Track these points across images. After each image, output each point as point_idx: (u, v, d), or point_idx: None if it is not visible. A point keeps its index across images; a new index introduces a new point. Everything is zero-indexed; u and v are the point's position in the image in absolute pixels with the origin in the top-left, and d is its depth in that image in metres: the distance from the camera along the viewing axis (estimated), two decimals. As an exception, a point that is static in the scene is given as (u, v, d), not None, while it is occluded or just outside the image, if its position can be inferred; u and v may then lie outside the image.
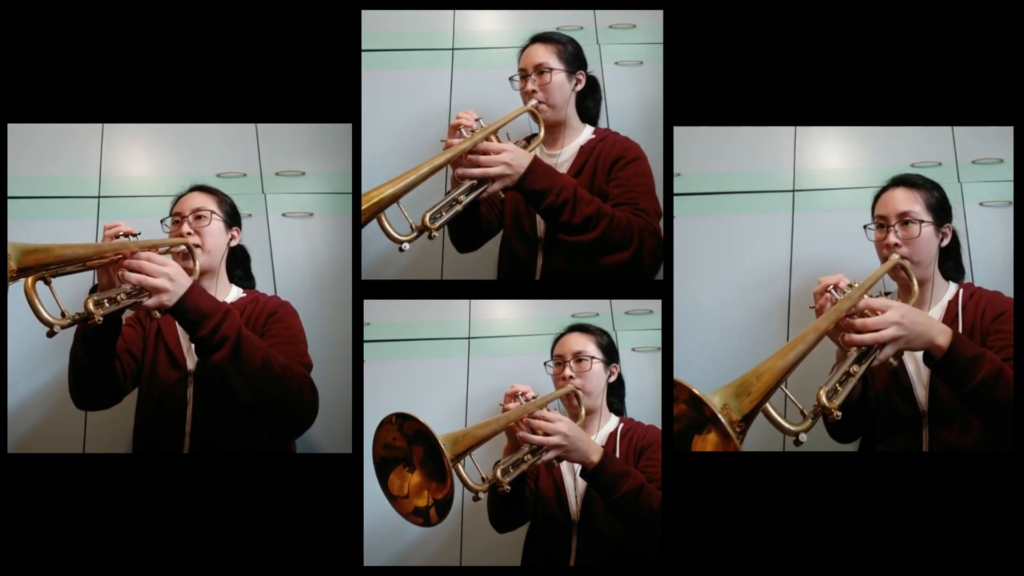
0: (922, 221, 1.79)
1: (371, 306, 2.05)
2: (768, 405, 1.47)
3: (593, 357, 1.99)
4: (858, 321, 1.59)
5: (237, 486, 1.93)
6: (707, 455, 2.00)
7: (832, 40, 1.97)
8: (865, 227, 1.85)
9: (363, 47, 2.02)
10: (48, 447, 2.14)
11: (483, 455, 1.80)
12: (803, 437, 1.50)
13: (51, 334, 1.56)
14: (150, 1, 1.96)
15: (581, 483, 1.92)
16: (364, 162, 2.03)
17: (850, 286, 1.66)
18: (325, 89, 1.99)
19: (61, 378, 2.16)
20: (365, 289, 1.99)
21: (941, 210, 1.82)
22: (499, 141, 1.87)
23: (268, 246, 2.20)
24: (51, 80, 1.96)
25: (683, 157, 2.07)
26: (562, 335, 2.05)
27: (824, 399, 1.53)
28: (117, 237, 1.70)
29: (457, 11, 2.26)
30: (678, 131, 2.01)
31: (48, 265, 1.54)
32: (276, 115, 2.00)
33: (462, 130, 1.84)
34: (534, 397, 1.85)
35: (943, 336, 1.61)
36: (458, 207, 1.82)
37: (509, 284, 2.12)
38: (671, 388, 2.00)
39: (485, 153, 1.82)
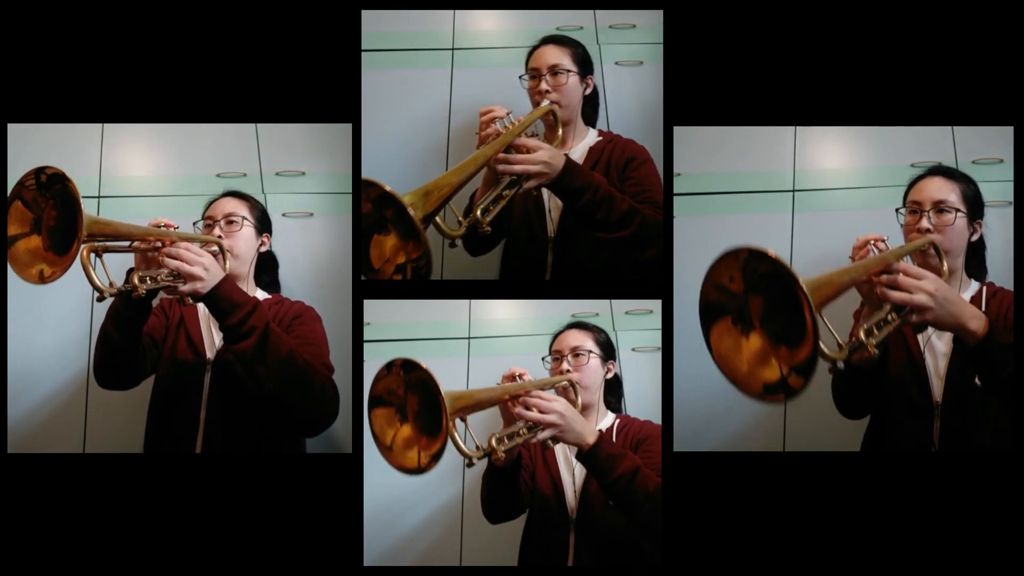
0: (958, 210, 1.78)
1: (371, 306, 2.05)
2: (821, 323, 1.41)
3: (590, 352, 1.99)
4: (887, 278, 1.56)
5: (237, 486, 1.94)
6: (706, 455, 2.01)
7: (832, 40, 1.97)
8: (897, 211, 1.84)
9: (363, 47, 2.02)
10: (48, 447, 2.14)
11: (479, 432, 1.79)
12: (840, 364, 1.45)
13: (100, 299, 1.67)
14: (150, 1, 1.96)
15: (579, 478, 1.92)
16: (364, 162, 2.03)
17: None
18: (325, 89, 1.99)
19: (63, 379, 2.17)
20: (365, 289, 1.99)
21: (976, 204, 1.82)
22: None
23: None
24: (51, 80, 1.97)
25: (683, 157, 2.07)
26: (561, 332, 2.05)
27: (863, 335, 1.50)
28: (160, 227, 1.79)
29: (457, 11, 2.26)
30: (678, 131, 2.01)
31: (107, 236, 1.68)
32: (276, 115, 2.01)
33: (498, 123, 1.84)
34: (527, 378, 1.86)
35: (976, 321, 1.58)
36: (503, 202, 1.83)
37: (509, 284, 2.12)
38: (671, 388, 2.01)
39: (520, 149, 1.83)
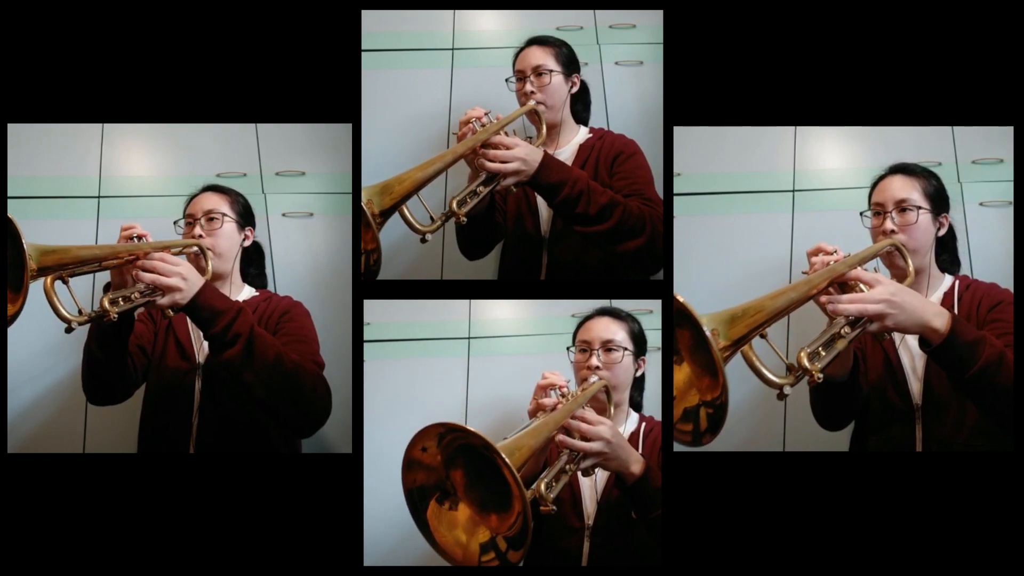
0: (920, 208, 1.77)
1: (371, 306, 2.05)
2: (752, 354, 1.39)
3: (624, 348, 1.84)
4: (844, 295, 1.52)
5: (237, 486, 1.93)
6: (706, 455, 2.01)
7: (832, 40, 1.97)
8: (861, 214, 1.83)
9: (363, 47, 2.02)
10: (48, 447, 2.14)
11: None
12: (787, 390, 1.41)
13: (69, 330, 1.61)
14: (150, 1, 1.96)
15: (600, 483, 1.81)
16: (364, 162, 2.03)
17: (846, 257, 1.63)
18: (325, 89, 1.99)
19: (62, 379, 2.17)
20: (365, 289, 1.99)
21: (939, 199, 1.81)
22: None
23: (268, 246, 2.20)
24: (51, 80, 1.97)
25: (683, 157, 2.07)
26: (589, 318, 1.91)
27: (805, 361, 1.43)
28: (132, 239, 1.73)
29: (457, 11, 2.26)
30: (678, 131, 2.01)
31: (66, 265, 1.60)
32: (276, 115, 2.00)
33: (474, 123, 1.87)
34: (566, 389, 1.69)
35: (939, 319, 1.54)
36: (478, 198, 1.85)
37: (509, 284, 2.12)
38: (671, 388, 2.00)
39: (498, 147, 1.84)
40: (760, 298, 1.45)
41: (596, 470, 1.67)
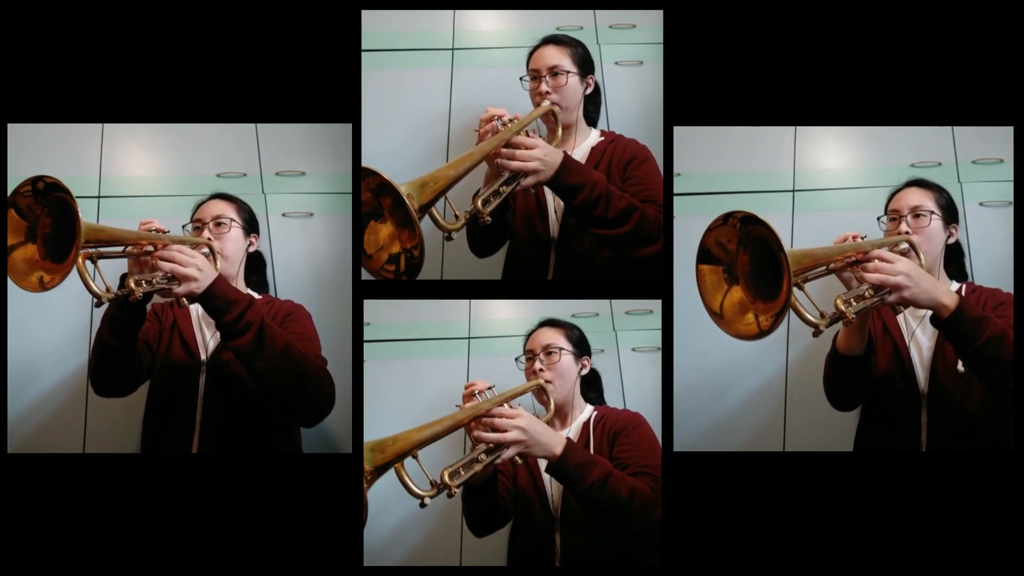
0: (932, 212, 1.90)
1: (371, 306, 2.05)
2: (796, 300, 1.60)
3: (562, 349, 1.99)
4: (871, 264, 1.71)
5: (237, 486, 1.94)
6: (706, 455, 2.02)
7: (832, 40, 1.97)
8: (878, 219, 1.93)
9: (363, 47, 2.02)
10: (48, 447, 2.14)
11: (433, 462, 1.72)
12: (822, 328, 1.63)
13: (99, 304, 1.70)
14: (150, 1, 1.96)
15: None
16: (364, 162, 2.02)
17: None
18: (325, 89, 1.99)
19: (62, 379, 2.17)
20: (365, 289, 1.99)
21: (950, 210, 1.93)
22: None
23: (268, 246, 2.20)
24: (51, 80, 1.97)
25: (683, 157, 2.07)
26: (533, 331, 2.06)
27: (841, 305, 1.66)
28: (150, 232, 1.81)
29: (457, 11, 2.26)
30: (678, 131, 2.01)
31: (102, 241, 1.70)
32: (276, 115, 2.01)
33: (496, 121, 1.86)
34: (488, 393, 1.80)
35: (949, 297, 1.71)
36: (499, 198, 1.85)
37: (509, 284, 2.12)
38: (671, 388, 2.02)
39: (519, 147, 1.84)
40: (819, 246, 1.71)
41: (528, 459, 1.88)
